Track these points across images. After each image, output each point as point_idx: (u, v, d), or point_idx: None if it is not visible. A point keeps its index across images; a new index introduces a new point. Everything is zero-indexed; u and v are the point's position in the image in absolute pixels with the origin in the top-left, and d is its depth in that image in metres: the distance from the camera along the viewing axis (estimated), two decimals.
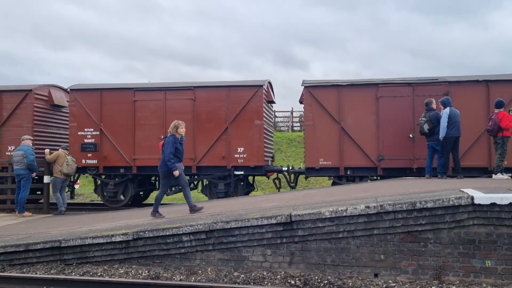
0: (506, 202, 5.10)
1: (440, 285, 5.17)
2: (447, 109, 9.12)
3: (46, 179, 10.89)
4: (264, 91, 11.39)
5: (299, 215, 5.65)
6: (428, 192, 6.02)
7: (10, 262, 6.32)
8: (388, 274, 5.45)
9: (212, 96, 11.36)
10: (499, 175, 8.88)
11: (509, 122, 8.92)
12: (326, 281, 5.30)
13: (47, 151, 10.83)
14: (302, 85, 11.22)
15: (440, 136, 9.12)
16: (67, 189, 11.75)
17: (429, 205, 5.28)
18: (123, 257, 6.20)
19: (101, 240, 6.14)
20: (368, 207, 5.45)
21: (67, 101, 13.14)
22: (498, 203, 5.12)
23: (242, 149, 11.16)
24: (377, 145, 10.71)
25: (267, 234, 5.79)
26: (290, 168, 11.77)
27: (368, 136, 10.69)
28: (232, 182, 11.15)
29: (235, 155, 11.17)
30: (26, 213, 10.25)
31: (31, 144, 10.41)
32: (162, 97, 11.48)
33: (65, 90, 13.29)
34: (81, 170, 11.71)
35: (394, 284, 5.25)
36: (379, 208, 5.40)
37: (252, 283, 5.32)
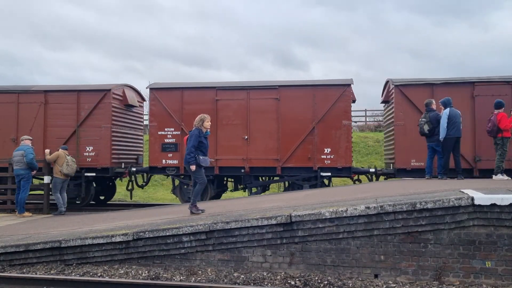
0: (506, 203, 5.10)
1: (440, 286, 5.17)
2: (447, 110, 9.12)
3: (46, 179, 10.89)
4: (351, 89, 11.17)
5: (299, 215, 5.64)
6: (428, 193, 6.02)
7: (10, 262, 6.31)
8: (388, 274, 5.45)
9: (297, 96, 11.12)
10: (499, 176, 8.88)
11: (509, 123, 8.93)
12: (326, 282, 5.30)
13: (47, 151, 10.84)
14: (392, 84, 10.96)
15: (440, 137, 9.12)
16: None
17: (429, 205, 5.28)
18: (123, 258, 6.19)
19: (101, 241, 6.14)
20: (368, 207, 5.45)
21: (138, 101, 13.13)
22: (498, 203, 5.12)
23: (329, 149, 10.94)
24: (473, 146, 10.39)
25: (267, 234, 5.79)
26: (377, 169, 11.41)
27: (463, 136, 9.87)
28: (318, 183, 10.92)
29: (322, 156, 10.94)
30: (26, 213, 10.25)
31: (30, 144, 10.41)
32: (245, 96, 11.28)
33: (135, 90, 13.23)
34: (161, 170, 11.54)
35: (394, 285, 5.25)
36: (379, 208, 5.40)
37: (252, 284, 5.32)
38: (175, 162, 11.37)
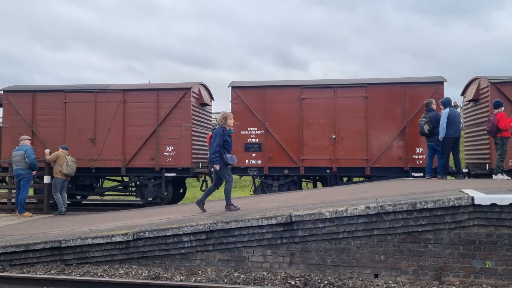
0: (507, 203, 5.10)
1: (440, 286, 5.17)
2: (447, 110, 9.13)
3: (46, 179, 10.89)
4: (443, 87, 10.79)
5: (299, 215, 5.64)
6: (428, 193, 6.02)
7: (10, 262, 6.32)
8: (388, 274, 5.45)
9: (387, 93, 10.82)
10: (499, 176, 8.90)
11: (508, 123, 8.94)
12: (326, 282, 5.30)
13: (47, 151, 10.83)
14: (487, 82, 10.51)
15: (439, 137, 9.13)
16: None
17: (430, 205, 5.28)
18: (123, 257, 6.20)
19: (101, 241, 6.14)
20: (368, 207, 5.45)
21: (210, 100, 13.06)
22: (498, 203, 5.12)
23: (421, 149, 10.59)
24: None
25: (267, 234, 5.79)
26: (470, 170, 10.96)
27: None
28: None
29: (413, 156, 10.63)
30: (26, 213, 10.25)
31: (29, 144, 10.40)
32: (332, 94, 11.00)
33: (207, 88, 13.06)
34: (243, 170, 11.26)
35: (395, 285, 5.25)
36: (379, 208, 5.40)
37: (252, 284, 5.32)
38: (259, 162, 11.13)
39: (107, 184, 12.99)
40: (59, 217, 10.11)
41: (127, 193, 12.62)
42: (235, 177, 12.69)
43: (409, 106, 10.73)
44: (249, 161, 11.19)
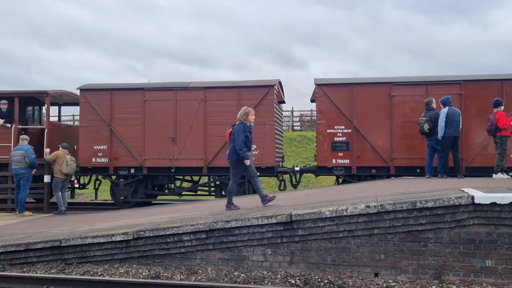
0: (507, 202, 5.11)
1: (440, 285, 5.17)
2: (445, 109, 9.14)
3: (46, 179, 10.89)
4: None
5: (299, 214, 5.65)
6: (428, 192, 6.02)
7: (10, 261, 6.32)
8: (388, 273, 5.45)
9: (483, 90, 10.34)
10: (499, 175, 8.90)
11: (507, 122, 8.94)
12: (326, 281, 5.31)
13: (47, 150, 10.84)
14: None
15: (438, 136, 9.14)
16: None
17: (430, 204, 5.28)
18: (124, 257, 6.20)
19: (101, 240, 6.14)
20: (368, 206, 5.46)
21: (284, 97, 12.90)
22: (498, 202, 5.13)
23: None
24: None
25: (268, 233, 5.79)
26: None
27: None
28: None
29: None
30: (27, 213, 10.26)
31: (27, 144, 10.39)
32: (424, 92, 10.64)
33: (281, 86, 12.84)
34: (328, 170, 11.04)
35: (394, 284, 5.25)
36: (380, 207, 5.41)
37: (252, 283, 5.32)
38: (347, 161, 10.84)
39: (184, 184, 12.74)
40: (59, 216, 10.12)
41: (206, 193, 12.34)
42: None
43: (507, 103, 10.08)
44: (336, 161, 10.90)
